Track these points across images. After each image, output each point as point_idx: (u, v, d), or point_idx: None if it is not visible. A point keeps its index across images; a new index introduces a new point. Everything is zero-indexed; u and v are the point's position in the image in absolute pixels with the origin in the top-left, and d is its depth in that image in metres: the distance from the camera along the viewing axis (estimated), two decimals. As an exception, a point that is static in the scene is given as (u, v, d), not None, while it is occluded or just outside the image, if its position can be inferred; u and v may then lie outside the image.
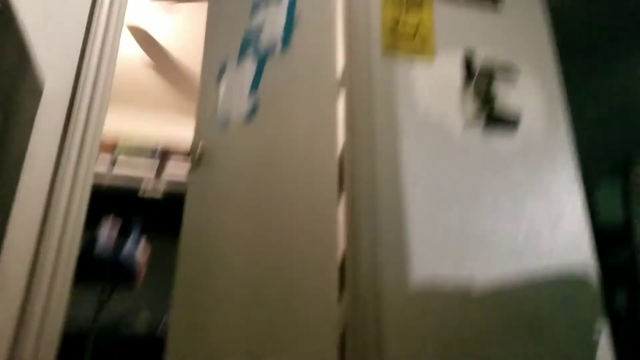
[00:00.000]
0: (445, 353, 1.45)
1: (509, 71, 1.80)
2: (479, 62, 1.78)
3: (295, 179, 1.65)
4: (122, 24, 1.56)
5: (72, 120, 1.42)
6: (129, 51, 3.88)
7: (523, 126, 1.75)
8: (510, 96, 1.77)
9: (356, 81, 1.61)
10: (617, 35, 3.74)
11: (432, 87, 1.71)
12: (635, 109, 3.56)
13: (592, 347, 1.69)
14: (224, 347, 1.59)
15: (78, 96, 1.43)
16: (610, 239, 2.25)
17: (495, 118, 1.71)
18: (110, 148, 3.60)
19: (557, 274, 1.74)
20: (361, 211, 1.45)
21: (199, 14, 3.52)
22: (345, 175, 1.53)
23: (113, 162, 3.49)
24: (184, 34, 3.79)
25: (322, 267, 1.46)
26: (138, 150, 3.66)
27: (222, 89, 2.03)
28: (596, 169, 2.87)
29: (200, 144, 1.96)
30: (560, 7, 3.39)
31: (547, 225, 1.72)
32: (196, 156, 1.94)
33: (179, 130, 4.09)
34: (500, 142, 1.71)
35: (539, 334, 1.58)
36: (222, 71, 2.06)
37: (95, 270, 2.53)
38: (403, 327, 1.41)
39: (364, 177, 1.50)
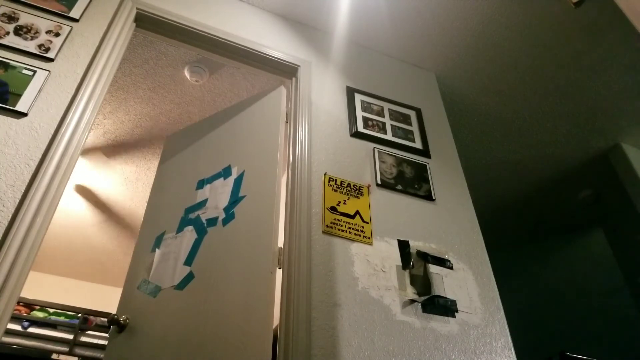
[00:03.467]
0: None
1: (444, 260, 1.90)
2: (415, 249, 1.88)
3: (226, 349, 1.56)
4: (61, 193, 1.58)
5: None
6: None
7: (460, 312, 1.78)
8: (447, 283, 1.84)
9: (295, 258, 1.65)
10: (543, 232, 4.15)
11: (371, 266, 1.76)
12: (564, 303, 3.75)
13: None
14: None
15: (2, 253, 1.36)
16: None
17: (433, 302, 1.75)
18: (29, 310, 3.34)
19: None
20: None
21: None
22: (279, 349, 1.49)
23: (29, 326, 3.21)
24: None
25: None
26: (57, 315, 3.40)
27: (156, 256, 2.00)
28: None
29: (124, 312, 1.86)
30: (489, 210, 3.81)
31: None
32: (120, 322, 1.81)
33: (100, 298, 3.95)
34: (439, 325, 1.73)
35: None
36: (158, 241, 2.07)
37: None
38: None
39: (299, 352, 1.46)
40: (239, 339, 1.57)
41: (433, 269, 1.85)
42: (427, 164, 2.23)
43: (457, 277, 1.89)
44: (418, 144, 2.30)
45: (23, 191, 1.43)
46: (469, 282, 1.91)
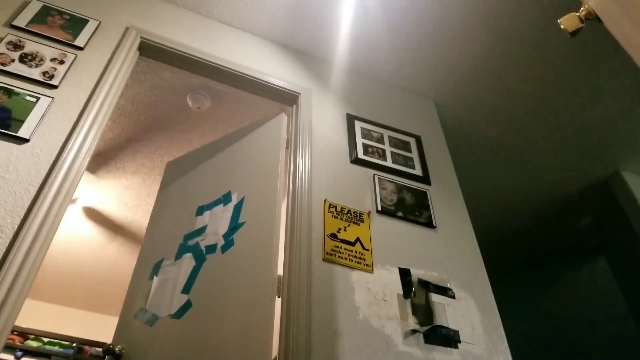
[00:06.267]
0: None
1: (446, 288, 1.87)
2: (416, 277, 1.86)
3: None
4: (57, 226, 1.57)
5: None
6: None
7: (463, 342, 1.75)
8: (449, 312, 1.81)
9: (294, 286, 1.63)
10: (545, 260, 4.12)
11: (372, 294, 1.73)
12: (567, 331, 3.69)
13: None
14: None
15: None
16: None
17: (435, 332, 1.72)
18: (20, 341, 3.29)
19: None
20: None
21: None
22: None
23: (22, 356, 3.15)
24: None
25: None
26: (52, 345, 3.34)
27: (155, 284, 1.98)
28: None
29: (120, 341, 1.82)
30: (491, 237, 3.79)
31: None
32: (115, 352, 1.77)
33: (96, 327, 3.88)
34: (441, 356, 1.69)
35: None
36: (156, 268, 2.05)
37: None
38: None
39: None
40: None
41: (435, 297, 1.83)
42: (427, 191, 2.22)
43: (459, 306, 1.86)
44: (418, 171, 2.30)
45: (22, 217, 1.42)
46: (471, 311, 1.88)
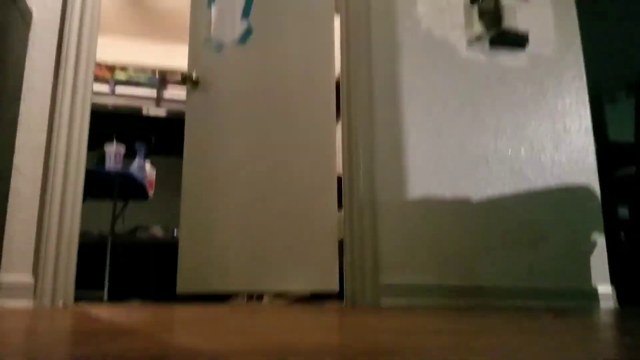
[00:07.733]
0: (439, 263, 1.53)
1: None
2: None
3: (292, 99, 1.66)
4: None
5: (64, 45, 1.40)
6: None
7: (532, 44, 1.69)
8: (519, 14, 1.69)
9: (353, 1, 1.56)
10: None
11: (436, 4, 1.64)
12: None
13: (586, 258, 1.73)
14: (231, 251, 1.70)
15: (67, 22, 1.39)
16: (620, 156, 2.17)
17: (502, 36, 1.66)
18: (109, 75, 3.59)
19: (558, 190, 1.75)
20: (358, 131, 1.49)
21: None
22: (342, 96, 1.54)
23: (114, 88, 3.51)
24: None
25: (322, 184, 1.55)
26: (137, 76, 3.65)
27: (214, 13, 1.95)
28: (609, 89, 2.76)
29: (194, 68, 1.95)
30: None
31: (550, 143, 1.72)
32: (192, 79, 1.92)
33: (175, 57, 4.04)
34: (507, 60, 1.68)
35: (536, 245, 1.65)
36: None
37: (107, 186, 2.59)
38: (398, 239, 1.49)
39: (361, 98, 1.50)
40: (301, 88, 1.63)
41: (504, 1, 1.69)
42: None
43: (532, 8, 1.73)
44: None
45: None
46: (545, 12, 1.75)
